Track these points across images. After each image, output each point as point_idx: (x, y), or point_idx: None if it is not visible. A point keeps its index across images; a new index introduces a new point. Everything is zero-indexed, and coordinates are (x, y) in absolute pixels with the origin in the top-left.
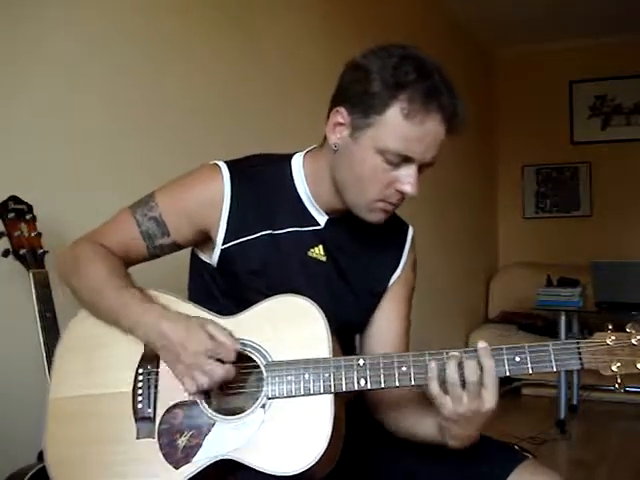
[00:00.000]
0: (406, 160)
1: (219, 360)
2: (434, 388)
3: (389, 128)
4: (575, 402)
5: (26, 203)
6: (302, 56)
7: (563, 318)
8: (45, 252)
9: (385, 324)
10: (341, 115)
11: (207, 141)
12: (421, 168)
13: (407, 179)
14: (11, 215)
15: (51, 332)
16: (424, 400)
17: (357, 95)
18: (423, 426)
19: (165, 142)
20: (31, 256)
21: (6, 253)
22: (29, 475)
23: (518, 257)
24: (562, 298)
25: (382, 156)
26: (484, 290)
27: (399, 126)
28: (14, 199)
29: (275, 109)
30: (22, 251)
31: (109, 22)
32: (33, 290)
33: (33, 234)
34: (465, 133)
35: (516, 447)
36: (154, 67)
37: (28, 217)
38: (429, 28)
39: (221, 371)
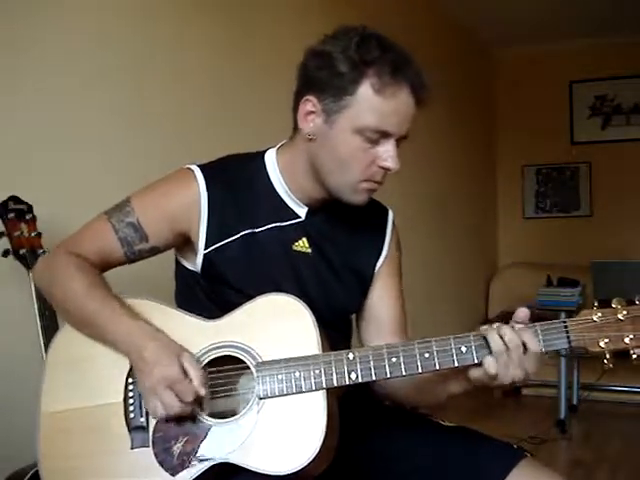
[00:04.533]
0: (384, 136)
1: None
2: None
3: (363, 106)
4: (575, 402)
5: (26, 203)
6: (298, 52)
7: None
8: (45, 252)
9: (380, 306)
10: (311, 103)
11: (205, 140)
12: (397, 142)
13: (387, 154)
14: (11, 215)
15: (51, 332)
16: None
17: (324, 80)
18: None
19: (164, 142)
20: (31, 256)
21: (6, 253)
22: (29, 475)
23: (518, 257)
24: (562, 298)
25: (361, 135)
26: (484, 290)
27: (372, 102)
28: (14, 199)
29: (272, 106)
30: (22, 251)
31: (107, 23)
32: (33, 290)
33: (33, 234)
34: (465, 129)
35: (515, 447)
36: (152, 67)
37: (28, 217)
38: (429, 28)
39: (176, 407)
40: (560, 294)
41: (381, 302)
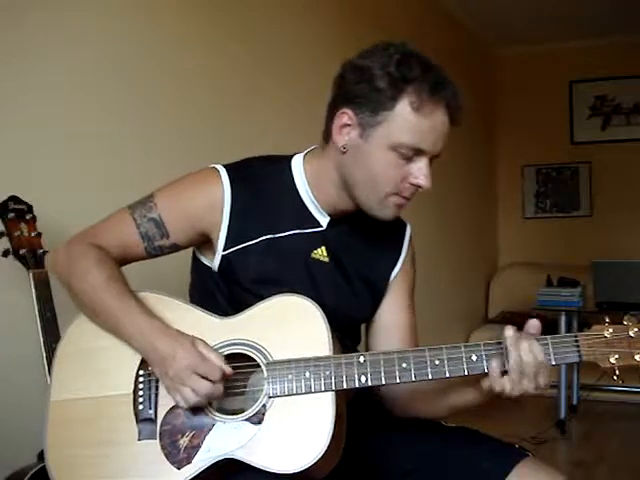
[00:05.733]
0: (418, 153)
1: (206, 378)
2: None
3: (400, 123)
4: (575, 402)
5: (26, 203)
6: (301, 55)
7: (563, 318)
8: (45, 252)
9: (390, 318)
10: (347, 116)
11: (207, 141)
12: (430, 160)
13: (420, 172)
14: (11, 215)
15: (51, 332)
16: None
17: (362, 94)
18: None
19: (164, 141)
20: (31, 256)
21: (6, 253)
22: (29, 475)
23: (518, 257)
24: (562, 298)
25: (395, 151)
26: (484, 290)
27: (410, 119)
28: (14, 199)
29: (272, 107)
30: (22, 251)
31: (107, 23)
32: (33, 290)
33: (33, 234)
34: (465, 128)
35: (516, 447)
36: (152, 67)
37: (28, 217)
38: (429, 28)
39: (206, 389)
40: (560, 294)
41: (390, 312)
